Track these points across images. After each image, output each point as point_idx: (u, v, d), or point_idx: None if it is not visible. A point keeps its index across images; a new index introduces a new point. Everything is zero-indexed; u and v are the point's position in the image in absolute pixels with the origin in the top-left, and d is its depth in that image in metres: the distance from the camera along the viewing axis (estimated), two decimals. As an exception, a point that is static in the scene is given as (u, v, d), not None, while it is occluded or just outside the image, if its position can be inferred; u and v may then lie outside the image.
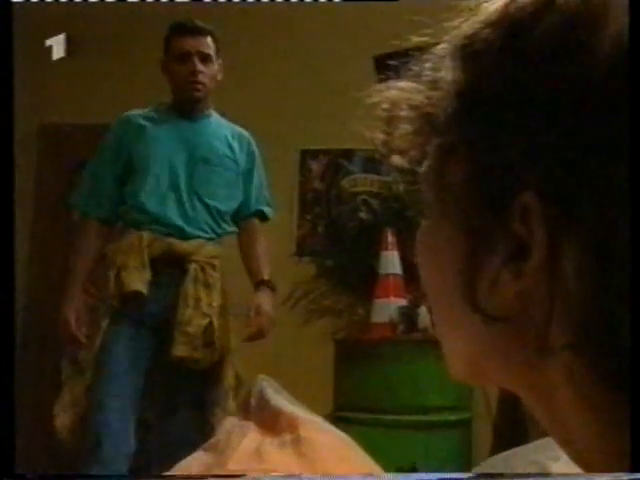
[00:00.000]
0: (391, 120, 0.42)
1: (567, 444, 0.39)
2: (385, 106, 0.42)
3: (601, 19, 0.34)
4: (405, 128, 0.41)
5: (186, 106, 2.27)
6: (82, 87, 3.23)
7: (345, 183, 3.18)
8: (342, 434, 1.02)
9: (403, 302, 2.62)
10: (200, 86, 2.23)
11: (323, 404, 2.33)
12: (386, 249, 2.72)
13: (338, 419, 2.49)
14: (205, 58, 2.23)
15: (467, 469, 2.16)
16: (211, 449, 0.92)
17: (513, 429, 2.72)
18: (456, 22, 0.40)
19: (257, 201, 2.36)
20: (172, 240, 2.15)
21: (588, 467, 0.38)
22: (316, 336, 2.82)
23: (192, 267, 2.11)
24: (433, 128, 0.40)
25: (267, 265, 2.30)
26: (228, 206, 2.28)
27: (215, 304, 2.12)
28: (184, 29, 2.25)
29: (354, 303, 2.93)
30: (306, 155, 3.23)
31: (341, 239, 2.95)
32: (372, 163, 3.17)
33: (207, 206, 2.23)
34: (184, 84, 2.23)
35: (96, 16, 3.03)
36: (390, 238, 2.73)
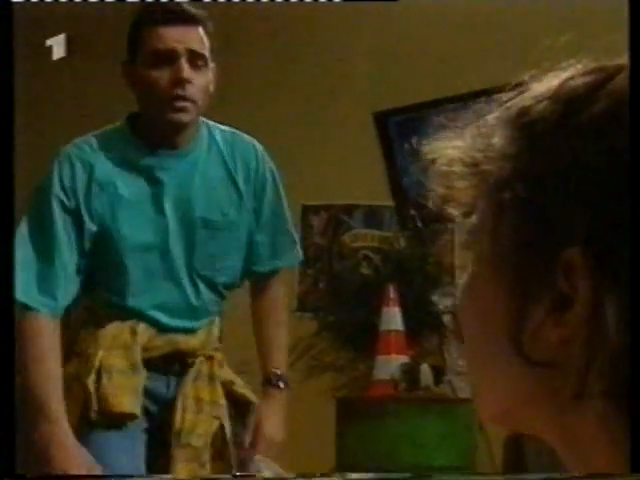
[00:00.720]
0: (448, 175, 0.46)
1: (579, 459, 0.41)
2: (443, 162, 0.46)
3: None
4: (460, 184, 0.46)
5: (166, 135, 1.58)
6: (82, 88, 3.20)
7: (346, 238, 3.18)
8: None
9: (405, 359, 2.60)
10: (189, 104, 1.53)
11: (325, 463, 2.29)
12: (387, 305, 2.70)
13: (341, 479, 2.44)
14: (196, 60, 1.53)
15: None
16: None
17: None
18: (504, 96, 0.46)
19: (274, 253, 1.74)
20: (176, 337, 1.61)
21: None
22: (317, 393, 2.78)
23: (198, 361, 1.61)
24: (486, 186, 0.44)
25: (283, 350, 1.72)
26: (240, 271, 1.72)
27: (223, 401, 1.62)
28: (166, 15, 1.53)
29: (355, 359, 2.90)
30: (307, 211, 3.24)
31: (343, 294, 2.94)
32: (373, 218, 3.18)
33: (214, 285, 1.68)
34: (163, 100, 1.52)
35: (96, 16, 2.97)
36: (392, 294, 2.72)
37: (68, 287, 1.54)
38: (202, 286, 1.64)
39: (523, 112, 0.43)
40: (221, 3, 2.87)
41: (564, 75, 0.43)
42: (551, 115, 0.42)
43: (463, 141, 0.46)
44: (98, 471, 1.46)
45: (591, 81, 0.41)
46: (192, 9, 1.56)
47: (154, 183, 1.60)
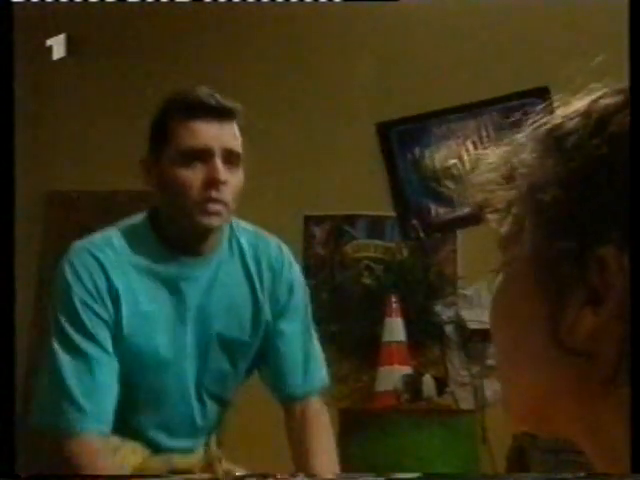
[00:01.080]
0: (485, 183, 0.50)
1: (607, 457, 0.44)
2: (481, 171, 0.50)
3: None
4: (497, 190, 0.49)
5: (193, 240, 1.42)
6: (82, 88, 3.20)
7: (348, 249, 3.18)
8: None
9: (407, 370, 2.59)
10: (222, 207, 1.37)
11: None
12: (390, 316, 2.70)
13: (342, 490, 2.43)
14: (230, 158, 1.39)
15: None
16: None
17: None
18: (530, 119, 0.50)
19: (306, 380, 1.54)
20: (172, 457, 1.47)
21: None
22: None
23: (197, 476, 1.49)
24: (520, 192, 0.48)
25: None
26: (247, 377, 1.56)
27: None
28: (199, 108, 1.37)
29: (358, 370, 2.90)
30: (309, 221, 3.24)
31: (345, 305, 2.94)
32: (375, 228, 3.18)
33: (223, 401, 1.53)
34: (194, 203, 1.36)
35: (96, 16, 3.00)
36: (394, 304, 2.72)
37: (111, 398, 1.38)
38: (210, 403, 1.49)
39: (554, 129, 0.48)
40: (222, 4, 2.86)
41: (595, 95, 0.47)
42: (583, 129, 0.46)
43: (497, 154, 0.50)
44: None
45: (620, 100, 0.46)
46: (227, 102, 1.40)
47: (176, 294, 1.42)
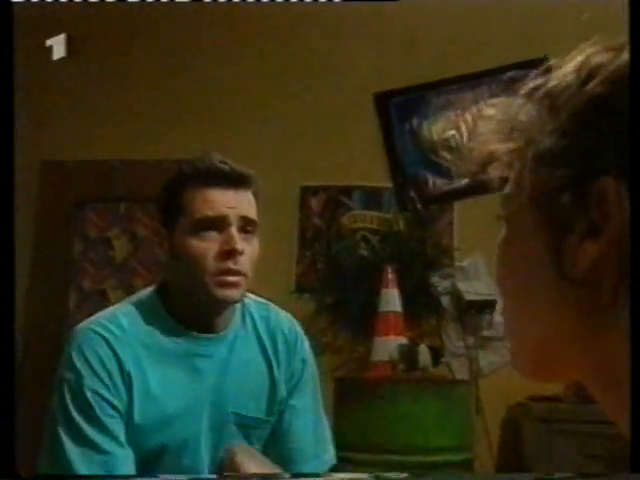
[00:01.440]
0: (490, 136, 0.51)
1: (614, 397, 0.46)
2: (482, 122, 0.52)
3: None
4: (501, 143, 0.51)
5: (208, 314, 1.37)
6: (82, 88, 3.20)
7: (345, 220, 3.17)
8: None
9: (403, 340, 2.60)
10: (240, 279, 1.32)
11: None
12: (386, 286, 2.71)
13: (337, 459, 2.45)
14: (247, 226, 1.35)
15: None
16: None
17: (514, 470, 2.68)
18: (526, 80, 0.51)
19: (316, 458, 1.48)
20: None
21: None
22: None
23: None
24: (521, 145, 0.49)
25: None
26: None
27: None
28: (214, 176, 1.33)
29: (354, 340, 2.91)
30: (306, 192, 3.23)
31: (341, 276, 2.94)
32: (372, 199, 3.17)
33: None
34: (210, 274, 1.31)
35: (96, 16, 3.00)
36: (390, 275, 2.72)
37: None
38: None
39: (549, 89, 0.50)
40: (222, 4, 2.86)
41: (587, 51, 0.49)
42: (575, 82, 0.48)
43: (496, 110, 0.51)
44: None
45: (610, 55, 0.48)
46: (242, 170, 1.37)
47: (191, 373, 1.36)
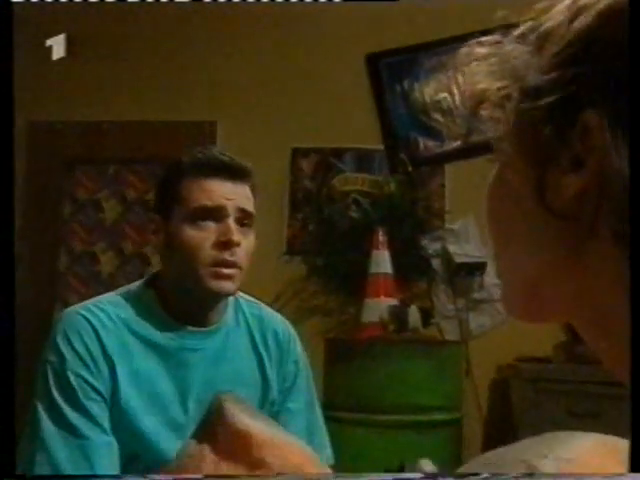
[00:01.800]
0: (480, 74, 0.51)
1: (603, 341, 0.46)
2: (475, 62, 0.51)
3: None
4: (494, 81, 0.51)
5: (201, 307, 1.37)
6: (82, 87, 3.21)
7: (336, 182, 3.17)
8: (303, 447, 0.99)
9: (394, 301, 2.62)
10: (236, 271, 1.32)
11: None
12: (377, 248, 2.71)
13: (327, 418, 2.48)
14: (244, 219, 1.35)
15: (456, 468, 2.16)
16: (170, 473, 0.90)
17: (503, 429, 2.72)
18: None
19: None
20: None
21: (623, 363, 0.45)
22: (306, 336, 2.80)
23: None
24: (517, 79, 0.49)
25: None
26: None
27: None
28: (213, 167, 1.34)
29: (344, 302, 2.92)
30: (297, 153, 3.22)
31: (332, 238, 2.95)
32: (363, 162, 3.16)
33: None
34: (204, 265, 1.31)
35: (96, 16, 3.02)
36: (381, 237, 2.73)
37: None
38: None
39: (539, 32, 0.49)
40: (222, 4, 2.84)
41: None
42: (566, 19, 0.48)
43: (487, 49, 0.51)
44: None
45: None
46: (242, 163, 1.37)
47: (180, 367, 1.35)
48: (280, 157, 3.18)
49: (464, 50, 0.52)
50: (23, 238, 3.25)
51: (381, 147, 3.14)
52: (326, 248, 2.93)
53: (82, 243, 3.28)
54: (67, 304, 3.21)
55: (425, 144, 3.10)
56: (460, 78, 0.53)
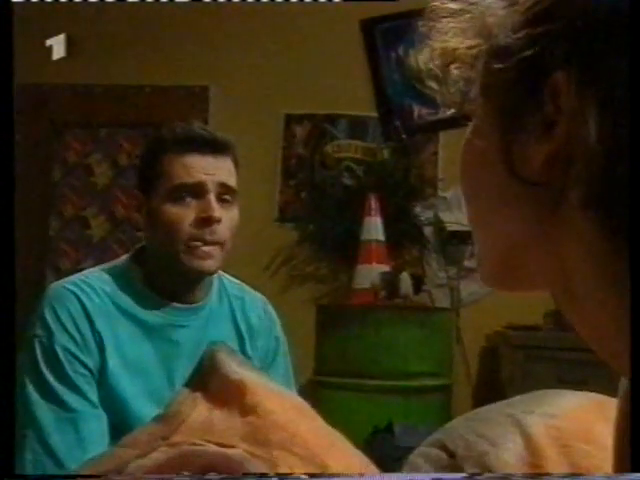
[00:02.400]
0: (451, 30, 0.49)
1: (575, 309, 0.46)
2: (445, 18, 0.50)
3: None
4: (463, 40, 0.49)
5: (183, 285, 1.36)
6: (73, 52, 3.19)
7: (329, 149, 3.16)
8: (295, 398, 1.00)
9: (385, 268, 2.63)
10: (217, 249, 1.31)
11: (304, 369, 2.34)
12: (369, 215, 2.72)
13: (318, 384, 2.50)
14: (225, 194, 1.33)
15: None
16: (161, 420, 0.92)
17: (492, 396, 2.75)
18: None
19: None
20: None
21: (595, 330, 0.45)
22: (298, 302, 2.82)
23: None
24: (482, 36, 0.47)
25: None
26: None
27: None
28: (192, 142, 1.32)
29: (336, 269, 2.93)
30: (290, 120, 3.20)
31: (324, 205, 2.94)
32: (357, 129, 3.15)
33: None
34: (184, 242, 1.30)
35: (96, 16, 3.00)
36: (373, 204, 2.73)
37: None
38: None
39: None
40: (222, 4, 2.81)
41: None
42: None
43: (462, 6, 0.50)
44: None
45: None
46: (222, 136, 1.33)
47: (167, 343, 1.35)
48: (273, 123, 3.16)
49: (436, 5, 0.50)
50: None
51: (375, 114, 3.12)
52: (318, 215, 2.93)
53: (73, 207, 3.27)
54: (58, 269, 3.21)
55: (419, 111, 3.09)
56: (432, 35, 0.50)
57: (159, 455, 0.83)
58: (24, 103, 3.17)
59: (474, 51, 0.48)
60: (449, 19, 0.49)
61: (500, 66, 0.45)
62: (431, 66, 0.53)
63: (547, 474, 0.72)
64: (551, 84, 0.43)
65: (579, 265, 0.44)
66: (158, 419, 0.92)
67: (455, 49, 0.49)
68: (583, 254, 0.44)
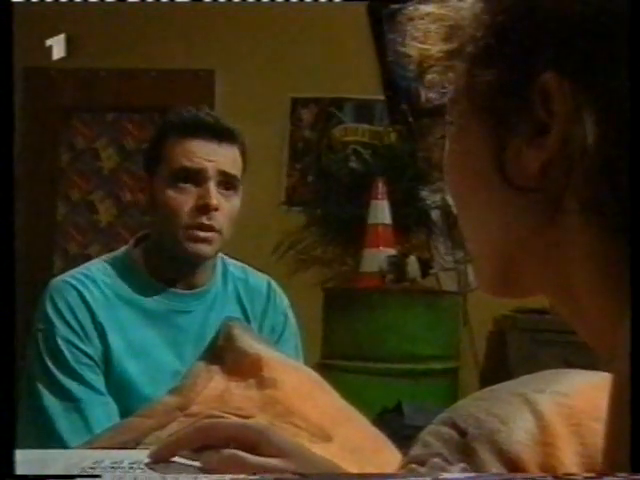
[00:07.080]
0: (426, 34, 0.48)
1: (575, 314, 0.45)
2: (421, 22, 0.48)
3: None
4: (438, 41, 0.47)
5: (184, 269, 1.37)
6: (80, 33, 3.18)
7: (336, 132, 3.15)
8: (311, 373, 1.01)
9: (392, 252, 2.62)
10: (214, 235, 1.32)
11: (311, 352, 2.35)
12: (376, 198, 2.71)
13: (326, 367, 2.51)
14: (226, 182, 1.33)
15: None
16: (176, 393, 0.92)
17: (499, 379, 2.75)
18: None
19: None
20: None
21: (595, 334, 0.45)
22: (305, 286, 2.82)
23: None
24: (463, 37, 0.46)
25: None
26: None
27: None
28: (198, 127, 1.31)
29: (343, 253, 2.93)
30: (297, 103, 3.19)
31: (331, 189, 2.94)
32: (364, 112, 3.14)
33: None
34: (183, 228, 1.31)
35: (96, 16, 3.00)
36: (380, 187, 2.72)
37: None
38: None
39: None
40: (222, 4, 2.80)
41: None
42: None
43: (436, 8, 0.48)
44: None
45: None
46: (228, 124, 1.33)
47: (172, 329, 1.36)
48: (280, 107, 3.15)
49: (410, 10, 0.48)
50: (19, 187, 3.23)
51: (382, 97, 3.11)
52: (325, 198, 2.93)
53: (80, 192, 3.27)
54: (66, 253, 3.22)
55: (426, 95, 3.07)
56: (408, 36, 0.48)
57: (177, 426, 0.84)
58: (31, 87, 3.16)
59: (452, 55, 0.46)
60: (423, 21, 0.48)
61: (483, 70, 0.44)
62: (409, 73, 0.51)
63: (547, 474, 0.72)
64: (540, 86, 0.41)
65: (578, 270, 0.43)
66: (174, 391, 0.93)
67: (431, 54, 0.48)
68: (582, 259, 0.43)
